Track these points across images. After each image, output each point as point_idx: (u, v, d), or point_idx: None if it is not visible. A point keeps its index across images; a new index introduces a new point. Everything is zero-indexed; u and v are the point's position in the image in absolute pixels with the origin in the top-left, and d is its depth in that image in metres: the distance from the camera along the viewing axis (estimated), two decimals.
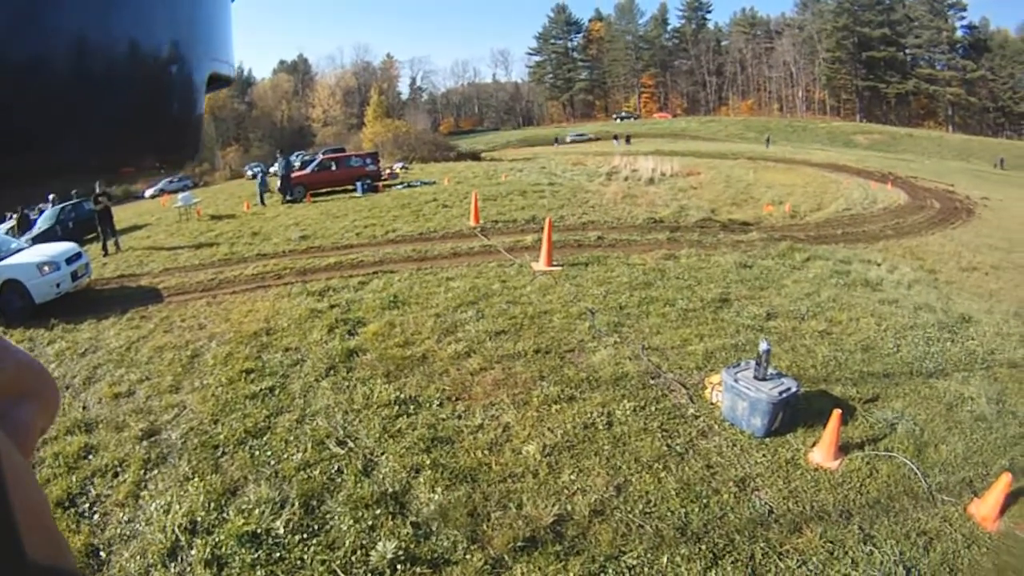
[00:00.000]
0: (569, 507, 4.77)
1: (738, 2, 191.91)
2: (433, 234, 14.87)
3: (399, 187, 26.38)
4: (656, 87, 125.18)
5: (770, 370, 6.02)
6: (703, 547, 4.40)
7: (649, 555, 4.32)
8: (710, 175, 28.76)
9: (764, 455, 5.53)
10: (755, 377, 5.91)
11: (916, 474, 5.38)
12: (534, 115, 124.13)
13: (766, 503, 4.90)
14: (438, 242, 13.90)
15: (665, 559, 4.28)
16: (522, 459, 5.40)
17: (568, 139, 77.43)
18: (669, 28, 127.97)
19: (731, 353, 7.53)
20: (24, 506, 0.36)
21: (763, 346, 5.92)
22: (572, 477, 5.14)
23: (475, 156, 51.18)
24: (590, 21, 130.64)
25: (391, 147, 47.57)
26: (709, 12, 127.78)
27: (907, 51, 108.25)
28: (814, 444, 5.63)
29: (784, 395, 5.74)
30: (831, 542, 4.51)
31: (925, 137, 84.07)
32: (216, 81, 0.44)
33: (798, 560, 4.34)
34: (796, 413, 5.99)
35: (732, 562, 4.28)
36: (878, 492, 5.14)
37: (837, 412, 5.49)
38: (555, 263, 11.25)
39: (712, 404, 6.36)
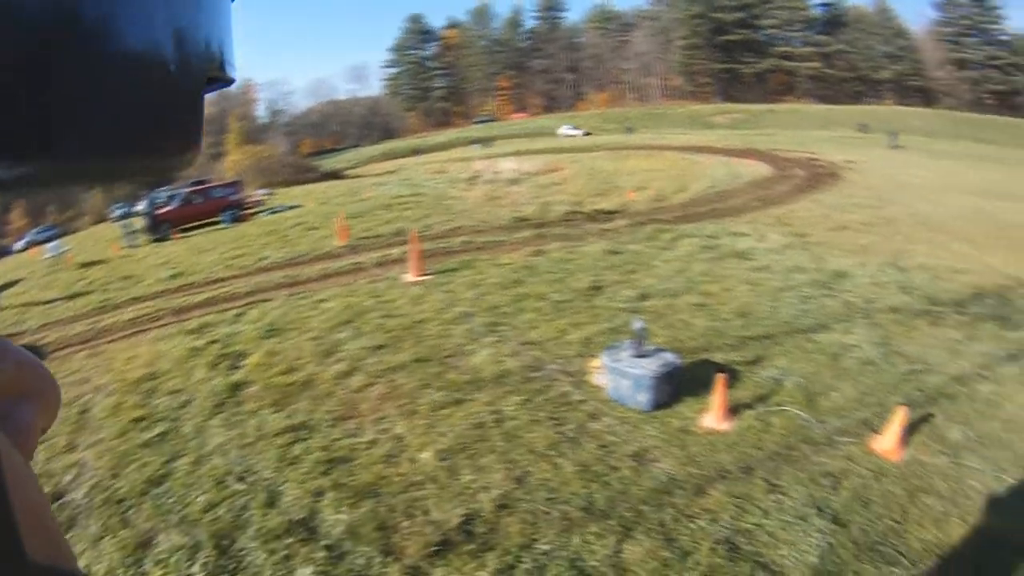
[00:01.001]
0: (474, 506, 4.93)
1: None
2: (302, 258, 14.81)
3: (265, 214, 26.04)
4: (513, 88, 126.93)
5: (648, 347, 6.39)
6: (612, 522, 4.67)
7: (561, 539, 4.54)
8: (572, 169, 29.49)
9: (656, 428, 5.89)
10: (634, 355, 6.28)
11: (811, 422, 5.89)
12: (394, 128, 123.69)
13: (666, 472, 5.24)
14: (308, 265, 13.87)
15: (577, 540, 4.51)
16: (420, 467, 5.54)
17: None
18: (524, 29, 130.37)
19: (609, 337, 7.90)
20: (24, 506, 0.36)
21: (637, 325, 6.31)
22: (472, 477, 5.31)
23: (338, 175, 50.84)
24: (444, 29, 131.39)
25: (254, 174, 46.49)
26: (563, 11, 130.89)
27: (763, 32, 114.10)
28: (704, 410, 6.04)
29: (665, 368, 6.14)
30: (738, 497, 4.89)
31: (785, 111, 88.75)
32: (216, 81, 0.45)
33: (708, 519, 4.69)
34: (681, 384, 6.41)
35: (643, 532, 4.57)
36: (776, 445, 5.61)
37: (722, 376, 5.92)
38: (425, 272, 11.41)
39: (597, 387, 6.68)
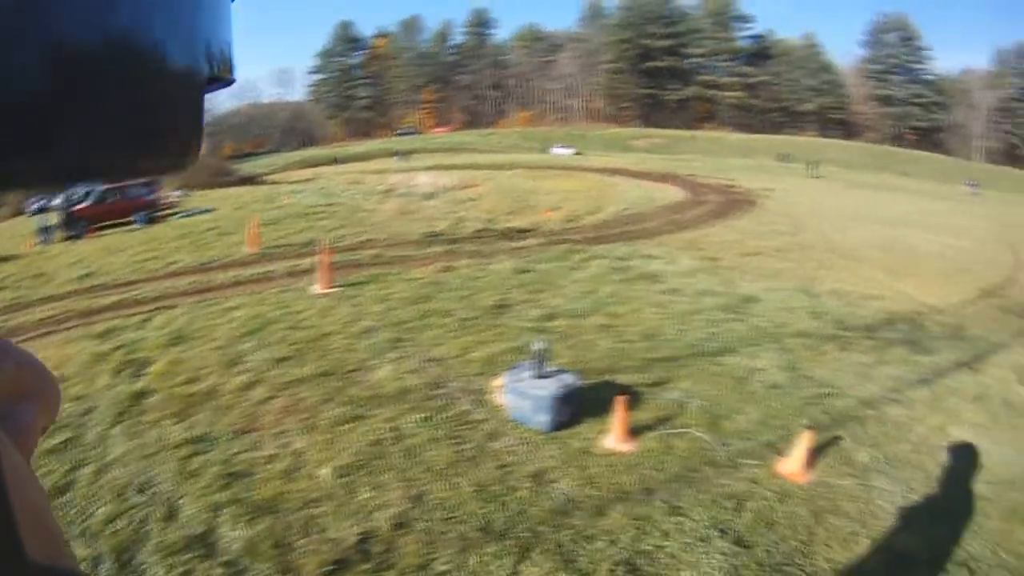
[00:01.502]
0: (371, 524, 4.84)
1: (522, 18, 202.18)
2: (213, 263, 14.48)
3: (178, 216, 25.44)
4: (437, 102, 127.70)
5: (550, 367, 6.42)
6: (510, 543, 4.61)
7: (457, 559, 4.47)
8: (488, 186, 29.70)
9: (556, 448, 5.88)
10: (535, 376, 6.28)
11: (714, 444, 5.96)
12: (316, 135, 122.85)
13: (565, 493, 5.21)
14: (219, 271, 13.55)
15: (474, 560, 4.44)
16: (318, 483, 5.42)
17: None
18: (452, 44, 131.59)
19: (513, 356, 7.90)
20: (24, 506, 0.37)
21: (538, 345, 6.32)
22: (369, 495, 5.21)
23: (256, 180, 50.17)
24: (373, 38, 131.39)
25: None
26: (492, 28, 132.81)
27: (689, 60, 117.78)
28: (605, 432, 6.05)
29: (565, 390, 6.17)
30: (638, 519, 4.87)
31: (706, 138, 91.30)
32: (216, 82, 0.45)
33: (608, 541, 4.66)
34: (582, 405, 6.44)
35: (541, 553, 4.52)
36: (677, 467, 5.63)
37: (622, 398, 5.95)
38: (334, 284, 11.27)
39: (498, 407, 6.65)
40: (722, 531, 4.77)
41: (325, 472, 5.55)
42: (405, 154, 68.84)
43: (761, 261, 14.37)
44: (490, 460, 5.71)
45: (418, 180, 30.84)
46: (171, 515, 5.15)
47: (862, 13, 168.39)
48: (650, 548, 4.59)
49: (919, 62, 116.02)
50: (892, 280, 14.11)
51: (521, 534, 4.71)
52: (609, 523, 4.84)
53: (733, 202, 25.78)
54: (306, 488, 5.38)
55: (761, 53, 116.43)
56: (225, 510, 5.13)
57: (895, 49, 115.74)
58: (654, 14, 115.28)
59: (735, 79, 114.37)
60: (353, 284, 11.48)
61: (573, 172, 38.09)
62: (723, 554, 4.52)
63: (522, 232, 17.38)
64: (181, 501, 5.31)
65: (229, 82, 0.46)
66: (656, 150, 79.71)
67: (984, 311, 12.97)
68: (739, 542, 4.68)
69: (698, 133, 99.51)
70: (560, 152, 73.43)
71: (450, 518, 4.91)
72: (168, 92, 0.38)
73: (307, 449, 5.98)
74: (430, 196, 26.10)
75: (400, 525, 4.82)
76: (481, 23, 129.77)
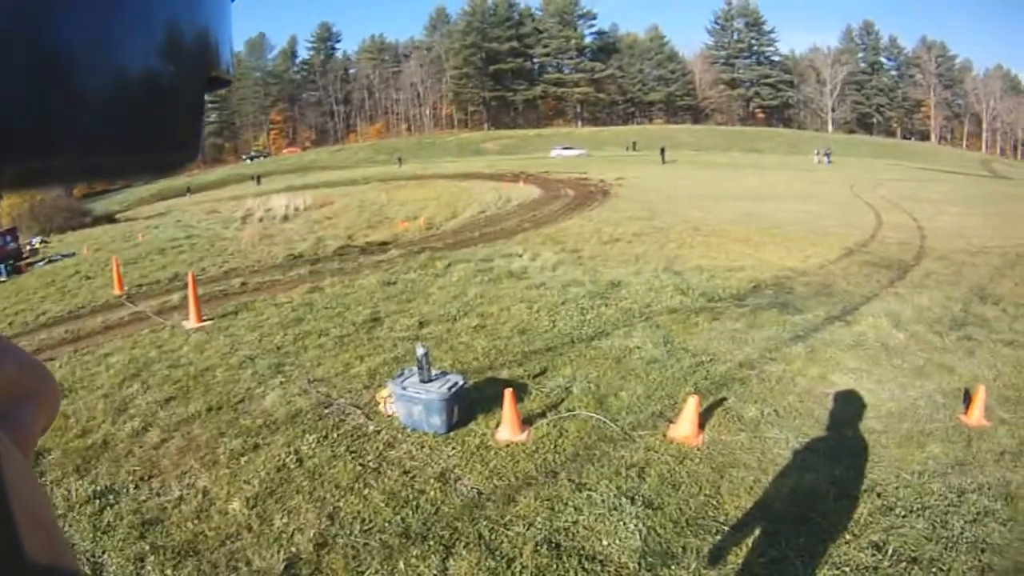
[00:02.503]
0: (294, 549, 4.89)
1: (366, 29, 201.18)
2: (82, 310, 13.85)
3: (41, 264, 24.12)
4: (285, 122, 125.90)
5: (434, 371, 6.61)
6: (432, 543, 4.77)
7: (386, 567, 4.58)
8: (344, 203, 29.63)
9: (454, 447, 6.09)
10: (421, 381, 6.47)
11: (605, 421, 6.30)
12: None
13: (472, 487, 5.43)
14: (89, 318, 13.00)
15: (402, 565, 4.57)
16: (232, 517, 5.40)
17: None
18: (298, 61, 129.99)
19: (393, 366, 8.09)
20: (24, 506, 0.37)
21: (420, 351, 6.53)
22: (285, 520, 5.24)
23: (112, 218, 48.17)
24: None
25: (29, 220, 43.04)
26: (338, 42, 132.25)
27: (535, 60, 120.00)
28: (497, 425, 6.32)
29: (453, 390, 6.37)
30: (548, 500, 5.13)
31: (555, 135, 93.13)
32: (216, 82, 0.46)
33: (524, 525, 4.90)
34: (471, 403, 6.71)
35: (464, 547, 4.70)
36: (574, 447, 5.96)
37: (509, 391, 6.25)
38: (205, 318, 11.07)
39: (389, 416, 6.79)
40: (630, 498, 5.10)
41: (236, 505, 5.54)
42: (258, 178, 67.72)
43: (622, 247, 15.16)
44: (393, 468, 5.84)
45: (274, 203, 30.44)
46: (97, 572, 5.06)
47: (709, 2, 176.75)
48: (566, 524, 4.86)
49: (766, 45, 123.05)
50: (754, 250, 15.14)
51: (440, 533, 4.88)
52: (521, 508, 5.08)
53: (588, 194, 26.73)
54: (221, 524, 5.36)
55: (606, 48, 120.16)
56: (148, 560, 5.06)
57: (742, 34, 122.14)
58: (498, 17, 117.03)
59: (581, 75, 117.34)
60: (224, 315, 11.33)
61: (426, 180, 38.34)
62: (636, 518, 4.84)
63: (383, 245, 17.50)
64: (103, 558, 5.20)
65: (229, 82, 0.48)
66: (508, 151, 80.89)
67: (850, 268, 14.11)
68: (649, 505, 5.02)
69: (545, 131, 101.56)
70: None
71: (368, 529, 5.01)
72: (168, 92, 0.39)
73: (213, 485, 5.93)
74: (287, 218, 25.82)
75: (322, 544, 4.89)
76: (326, 37, 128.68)
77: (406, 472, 5.75)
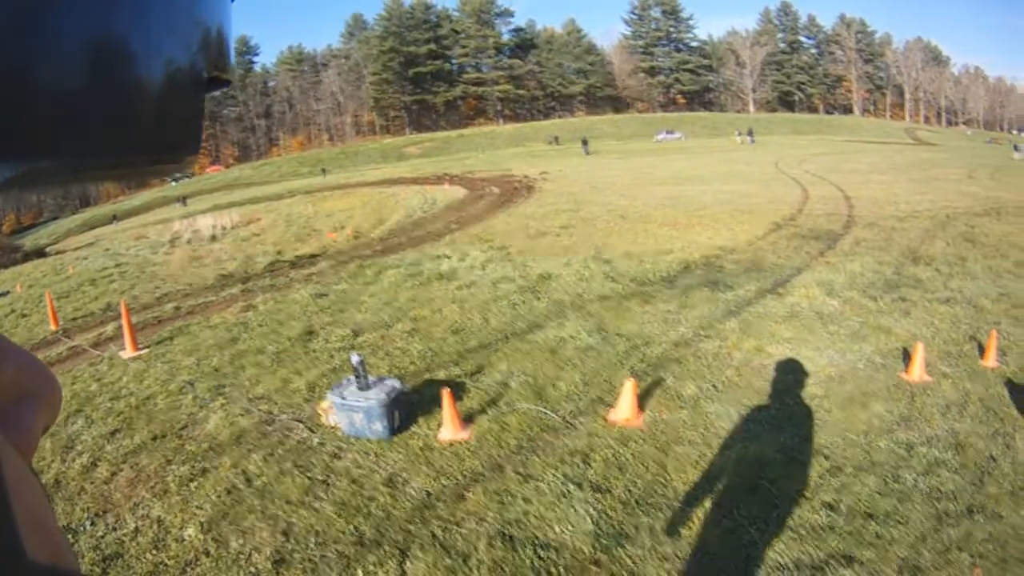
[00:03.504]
0: (253, 569, 4.90)
1: (284, 40, 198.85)
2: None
3: None
4: (207, 140, 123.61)
5: (371, 378, 6.66)
6: (387, 548, 4.82)
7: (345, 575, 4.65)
8: (271, 218, 29.38)
9: (399, 452, 6.15)
10: (359, 389, 6.52)
11: (545, 411, 6.44)
12: (90, 195, 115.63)
13: (421, 489, 5.49)
14: None
15: (360, 572, 4.63)
16: (189, 545, 5.37)
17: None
18: None
19: (332, 377, 8.12)
20: (25, 507, 0.37)
21: (355, 359, 6.57)
22: (241, 542, 5.24)
23: (42, 252, 46.99)
24: None
25: None
26: (256, 55, 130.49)
27: (454, 61, 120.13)
28: (439, 426, 6.39)
29: (392, 395, 6.44)
30: (497, 494, 5.23)
31: (477, 134, 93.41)
32: (216, 82, 0.46)
33: (476, 520, 4.99)
34: (412, 407, 6.78)
35: (419, 548, 4.77)
36: (518, 440, 6.08)
37: (447, 391, 6.34)
38: (141, 346, 10.93)
39: (332, 427, 6.82)
40: (578, 484, 5.24)
41: (191, 532, 5.52)
42: (183, 199, 66.68)
43: (550, 240, 15.41)
44: (341, 478, 5.87)
45: (200, 224, 29.98)
46: None
47: None
48: (517, 516, 4.96)
49: (684, 31, 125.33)
50: (681, 233, 15.52)
51: (395, 537, 4.94)
52: (471, 505, 5.17)
53: (513, 190, 26.95)
54: (179, 552, 5.34)
55: (524, 44, 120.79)
56: None
57: (659, 22, 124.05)
58: (415, 20, 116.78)
59: (501, 73, 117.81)
60: (160, 342, 11.19)
61: (351, 189, 38.08)
62: (586, 503, 4.98)
63: (312, 257, 17.41)
64: None
65: (228, 82, 0.48)
66: (431, 154, 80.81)
67: (779, 242, 14.54)
68: (597, 489, 5.17)
69: (467, 131, 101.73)
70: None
71: (323, 541, 5.04)
72: (169, 91, 0.39)
73: (166, 514, 5.91)
74: (215, 238, 25.51)
75: (280, 561, 4.92)
76: (244, 51, 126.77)
77: (354, 481, 5.79)
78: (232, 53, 0.48)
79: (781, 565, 4.44)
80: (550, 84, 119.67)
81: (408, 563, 4.63)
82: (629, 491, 5.13)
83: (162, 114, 0.39)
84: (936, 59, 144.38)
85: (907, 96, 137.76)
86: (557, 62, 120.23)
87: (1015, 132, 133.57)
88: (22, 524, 0.35)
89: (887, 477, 5.46)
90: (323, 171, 71.68)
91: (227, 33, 0.47)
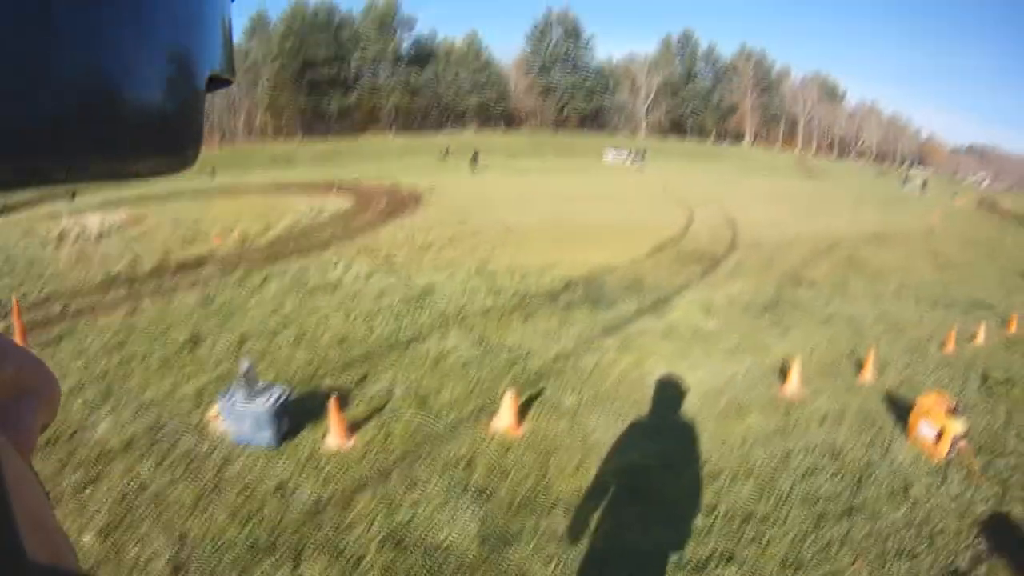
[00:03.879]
0: None
1: None
2: None
3: None
4: None
5: (259, 385, 6.74)
6: (280, 554, 4.95)
7: None
8: (159, 219, 28.51)
9: (287, 460, 6.23)
10: (247, 396, 6.56)
11: (428, 420, 6.68)
12: None
13: (310, 495, 5.62)
14: None
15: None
16: (87, 552, 5.34)
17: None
18: None
19: (219, 384, 8.04)
20: (25, 506, 0.38)
21: (243, 366, 6.62)
22: (138, 548, 5.24)
23: None
24: None
25: None
26: None
27: (352, 67, 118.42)
28: (325, 434, 6.50)
29: (279, 402, 6.50)
30: (384, 499, 5.42)
31: (369, 143, 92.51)
32: (216, 82, 0.46)
33: (365, 525, 5.18)
34: (299, 415, 6.85)
35: (311, 553, 4.92)
36: (402, 448, 6.27)
37: (333, 399, 6.47)
38: (31, 346, 10.60)
39: (221, 434, 6.84)
40: (463, 488, 5.49)
41: (89, 539, 5.45)
42: (73, 194, 63.73)
43: (435, 253, 15.59)
44: (232, 486, 5.93)
45: (88, 221, 28.86)
46: None
47: (529, 9, 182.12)
48: (405, 520, 5.16)
49: (583, 52, 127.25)
50: (564, 250, 15.96)
51: (287, 542, 5.07)
52: (360, 510, 5.34)
53: (401, 202, 26.96)
54: (79, 560, 5.37)
55: (423, 55, 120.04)
56: None
57: (559, 42, 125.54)
58: (318, 22, 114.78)
59: (397, 82, 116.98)
60: (48, 343, 10.89)
61: (240, 193, 37.36)
62: (471, 507, 5.23)
63: (199, 261, 17.13)
64: None
65: (229, 82, 0.48)
66: (322, 160, 79.34)
67: (661, 262, 15.14)
68: (481, 493, 5.43)
69: (361, 139, 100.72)
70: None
71: (219, 548, 5.12)
72: (169, 91, 0.39)
73: (63, 521, 5.86)
74: (103, 236, 24.69)
75: (178, 568, 4.98)
76: None
77: (245, 488, 5.86)
78: (232, 52, 0.49)
79: (664, 564, 4.75)
80: (445, 96, 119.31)
81: (302, 567, 4.78)
82: (512, 495, 5.39)
83: (163, 114, 0.40)
84: (832, 93, 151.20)
85: (800, 128, 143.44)
86: (454, 74, 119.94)
87: (907, 165, 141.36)
88: (22, 524, 0.37)
89: (764, 482, 5.91)
90: (212, 172, 69.80)
91: (227, 32, 0.48)
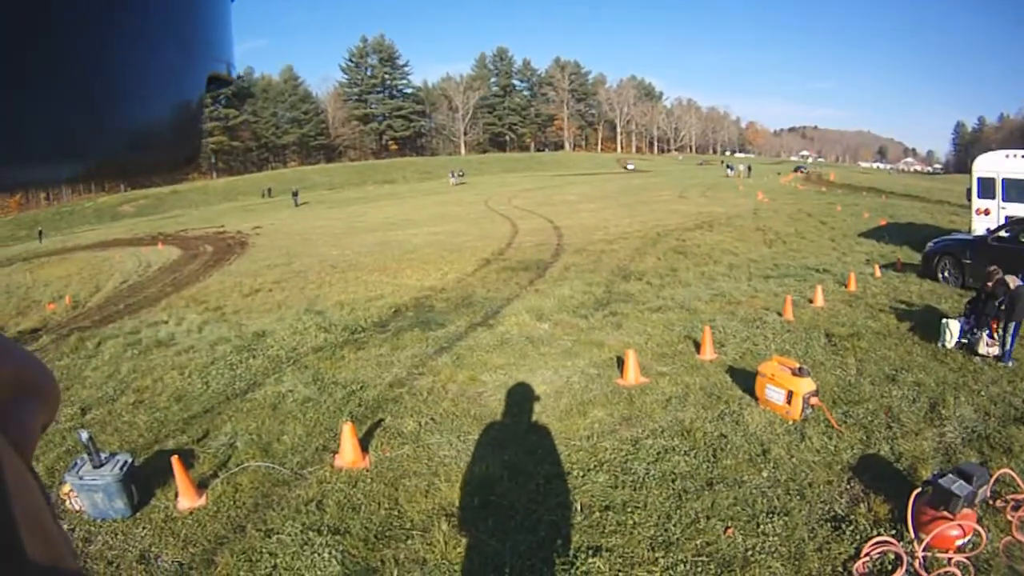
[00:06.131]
0: None
1: None
2: None
3: None
4: None
5: (103, 454, 6.41)
6: None
7: None
8: None
9: (144, 527, 5.85)
10: (94, 467, 6.20)
11: (273, 467, 6.43)
12: None
13: (174, 561, 5.30)
14: None
15: None
16: None
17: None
18: None
19: (67, 459, 7.59)
20: (25, 507, 0.38)
21: (83, 436, 6.23)
22: None
23: None
24: None
25: None
26: None
27: None
28: (176, 495, 6.14)
29: (125, 469, 6.14)
30: (243, 553, 5.15)
31: (191, 189, 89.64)
32: (216, 82, 0.46)
33: None
34: (147, 479, 6.46)
35: None
36: (253, 498, 6.00)
37: (176, 459, 6.15)
38: None
39: (77, 511, 6.48)
40: (317, 530, 5.30)
41: None
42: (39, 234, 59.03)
43: (263, 296, 15.21)
44: (97, 563, 5.45)
45: None
46: None
47: (345, 40, 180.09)
48: (267, 571, 4.95)
49: (399, 78, 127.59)
50: (391, 278, 15.91)
51: None
52: (222, 568, 5.07)
53: (227, 248, 26.37)
54: None
55: (240, 94, 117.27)
56: None
57: (375, 69, 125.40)
58: None
59: (216, 124, 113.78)
60: None
61: (68, 254, 35.46)
62: (328, 547, 5.06)
63: (34, 332, 16.11)
64: None
65: (229, 82, 0.48)
66: (145, 212, 76.47)
67: (488, 276, 15.23)
68: (336, 532, 5.26)
69: (180, 186, 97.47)
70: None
71: None
72: (168, 92, 0.39)
73: None
74: None
75: None
76: None
77: (110, 563, 5.46)
78: (233, 53, 0.49)
79: (529, 567, 4.72)
80: (264, 135, 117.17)
81: None
82: (367, 528, 5.28)
83: (163, 116, 0.40)
84: (649, 94, 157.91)
85: (619, 129, 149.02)
86: (272, 111, 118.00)
87: (728, 153, 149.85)
88: (22, 524, 0.37)
89: (617, 472, 5.97)
90: (40, 234, 66.17)
91: (227, 33, 0.48)
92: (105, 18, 0.34)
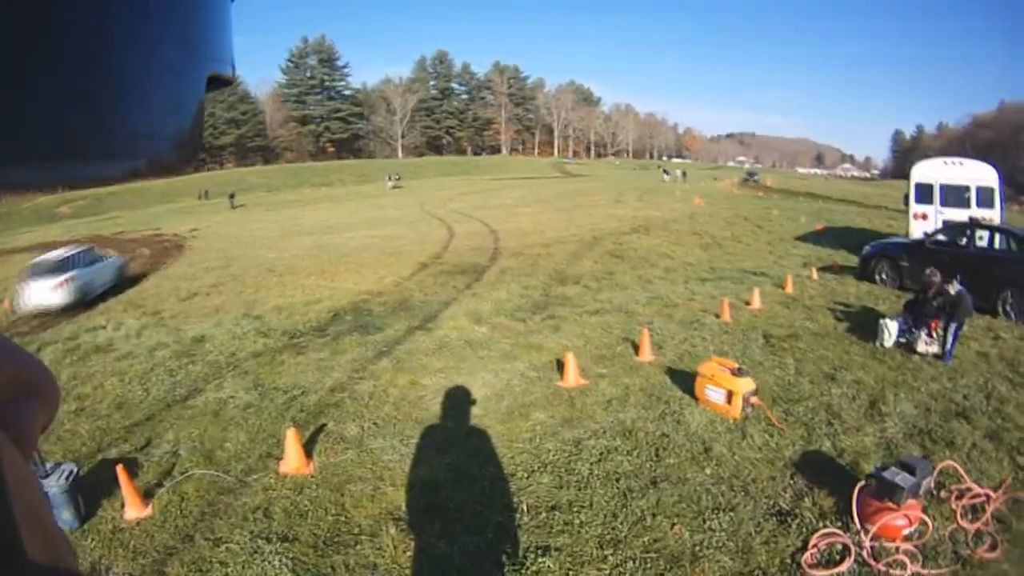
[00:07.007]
0: None
1: None
2: None
3: None
4: None
5: (48, 464, 6.28)
6: None
7: None
8: None
9: (92, 539, 5.70)
10: (40, 478, 6.00)
11: (218, 475, 6.35)
12: None
13: (123, 573, 5.19)
14: None
15: None
16: None
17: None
18: None
19: None
20: (25, 506, 0.38)
21: None
22: None
23: None
24: None
25: None
26: None
27: None
28: (123, 506, 6.01)
29: (70, 479, 5.99)
30: (193, 563, 5.09)
31: (127, 190, 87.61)
32: (216, 81, 0.46)
33: None
34: (93, 489, 6.28)
35: None
36: (199, 507, 5.91)
37: (121, 468, 6.02)
38: None
39: None
40: (266, 538, 5.27)
41: None
42: None
43: (201, 301, 14.97)
44: None
45: None
46: None
47: (286, 41, 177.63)
48: None
49: (338, 80, 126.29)
50: (329, 281, 15.82)
51: None
52: None
53: (164, 250, 25.78)
54: None
55: None
56: None
57: (315, 70, 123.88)
58: None
59: None
60: None
61: (4, 257, 34.24)
62: (278, 554, 5.04)
63: None
64: None
65: (229, 82, 0.49)
66: (82, 213, 74.32)
67: (425, 280, 15.23)
68: (285, 539, 5.25)
69: (117, 188, 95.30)
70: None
71: None
72: (168, 91, 0.40)
73: None
74: None
75: None
76: None
77: None
78: (233, 53, 0.50)
79: (479, 569, 4.78)
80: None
81: None
82: (315, 535, 5.27)
83: (163, 115, 0.40)
84: (587, 99, 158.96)
85: (556, 134, 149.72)
86: (210, 112, 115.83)
87: (665, 159, 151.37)
88: (22, 524, 0.37)
89: (561, 472, 6.06)
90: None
91: (227, 33, 0.48)
92: (105, 18, 0.35)
